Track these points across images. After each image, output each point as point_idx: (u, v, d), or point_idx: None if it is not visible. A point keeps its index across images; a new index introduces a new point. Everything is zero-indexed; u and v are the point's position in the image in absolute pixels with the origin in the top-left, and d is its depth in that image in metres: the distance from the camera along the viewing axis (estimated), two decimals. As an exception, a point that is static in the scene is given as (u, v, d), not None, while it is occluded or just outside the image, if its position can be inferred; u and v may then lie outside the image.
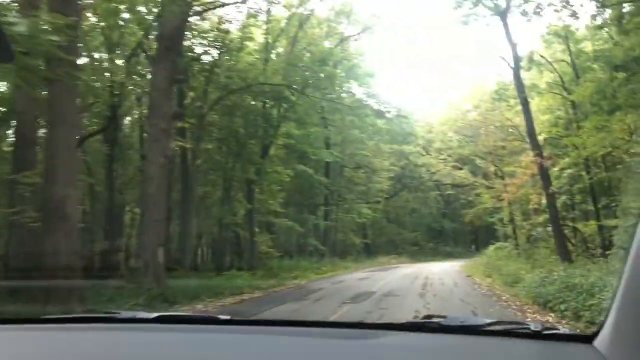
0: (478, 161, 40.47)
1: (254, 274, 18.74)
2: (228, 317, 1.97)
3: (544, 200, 22.10)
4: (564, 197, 23.21)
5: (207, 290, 12.90)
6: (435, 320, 1.75)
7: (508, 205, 28.82)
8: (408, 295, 12.35)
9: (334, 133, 31.90)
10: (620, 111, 14.46)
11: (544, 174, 18.90)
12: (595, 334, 1.47)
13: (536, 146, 19.20)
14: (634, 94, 13.25)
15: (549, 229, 23.39)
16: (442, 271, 24.62)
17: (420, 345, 1.67)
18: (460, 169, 41.88)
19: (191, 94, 17.72)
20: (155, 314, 2.00)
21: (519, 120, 28.80)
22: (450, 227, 57.72)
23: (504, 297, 12.21)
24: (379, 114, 40.77)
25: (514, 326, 1.73)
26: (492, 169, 30.87)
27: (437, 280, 18.35)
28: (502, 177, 29.62)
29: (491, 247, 35.48)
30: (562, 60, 21.18)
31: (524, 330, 1.67)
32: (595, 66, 19.27)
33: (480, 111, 30.98)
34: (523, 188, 20.62)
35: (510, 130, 29.16)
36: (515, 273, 16.05)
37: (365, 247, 45.13)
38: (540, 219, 22.56)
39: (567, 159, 21.66)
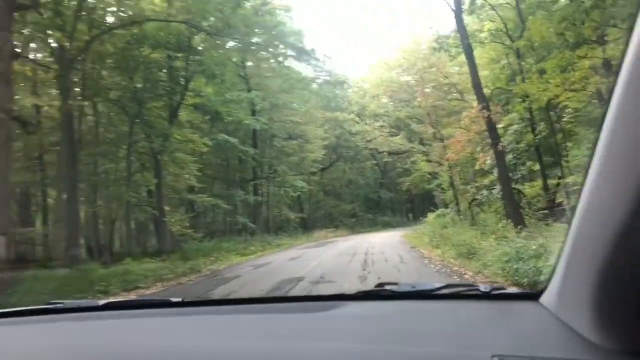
0: (414, 126, 38.70)
1: (163, 260, 15.71)
2: (180, 300, 1.97)
3: (488, 161, 20.33)
4: (510, 157, 21.43)
5: (81, 285, 9.83)
6: (387, 287, 1.85)
7: (448, 169, 26.99)
8: (346, 278, 9.81)
9: (260, 98, 28.77)
10: (586, 46, 12.48)
11: (491, 128, 16.82)
12: (542, 292, 1.59)
13: (482, 98, 17.08)
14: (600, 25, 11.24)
15: (495, 191, 21.70)
16: (383, 243, 22.42)
17: (375, 312, 1.74)
18: (396, 135, 39.93)
19: (57, 33, 13.81)
20: (103, 301, 1.99)
21: (458, 78, 26.95)
22: (388, 197, 56.47)
23: (467, 276, 9.89)
24: (309, 80, 38.18)
25: (464, 288, 1.86)
26: (431, 131, 28.85)
27: (379, 255, 15.98)
28: (442, 140, 27.69)
29: (431, 215, 34.36)
30: (507, 4, 19.02)
31: (473, 292, 1.78)
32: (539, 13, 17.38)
33: (417, 69, 28.73)
34: (467, 147, 18.54)
35: (447, 88, 27.23)
36: (469, 242, 13.91)
37: (301, 222, 42.68)
38: (486, 180, 20.66)
39: (512, 114, 19.79)
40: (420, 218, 35.59)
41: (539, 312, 1.52)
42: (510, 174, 21.38)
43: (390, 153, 46.14)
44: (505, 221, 16.87)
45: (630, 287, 1.05)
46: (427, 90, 28.12)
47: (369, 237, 30.16)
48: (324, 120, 40.60)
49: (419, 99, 28.64)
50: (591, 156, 1.05)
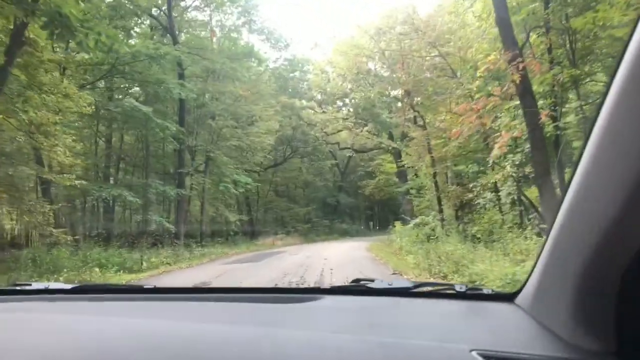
0: (386, 116, 32.53)
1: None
2: (152, 286, 2.02)
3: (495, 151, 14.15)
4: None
5: None
6: (363, 283, 1.90)
7: (431, 165, 20.86)
8: None
9: (190, 59, 21.83)
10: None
11: (525, 89, 10.60)
12: (517, 293, 1.62)
13: (511, 40, 10.90)
14: None
15: (503, 193, 15.61)
16: (345, 260, 16.00)
17: (352, 306, 1.73)
18: (365, 125, 33.72)
19: None
20: (71, 285, 2.00)
21: (447, 48, 20.80)
22: (347, 202, 50.12)
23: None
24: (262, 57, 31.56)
25: (439, 287, 1.89)
26: (410, 116, 22.63)
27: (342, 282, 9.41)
28: (424, 127, 21.52)
29: (399, 224, 28.71)
30: None
31: (449, 291, 1.82)
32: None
33: (396, 34, 22.47)
34: (482, 120, 12.24)
35: (436, 60, 21.07)
36: (503, 273, 7.66)
37: (247, 225, 35.90)
38: (498, 175, 14.44)
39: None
40: (390, 227, 29.64)
41: (515, 311, 1.56)
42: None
43: (355, 150, 39.80)
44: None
45: (607, 289, 1.09)
46: (408, 61, 21.87)
47: (326, 248, 23.63)
48: (279, 106, 33.91)
49: (396, 74, 22.35)
50: (578, 160, 1.06)
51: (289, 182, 44.96)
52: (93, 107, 16.99)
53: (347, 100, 37.89)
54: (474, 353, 1.20)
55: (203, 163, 25.78)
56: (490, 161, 14.68)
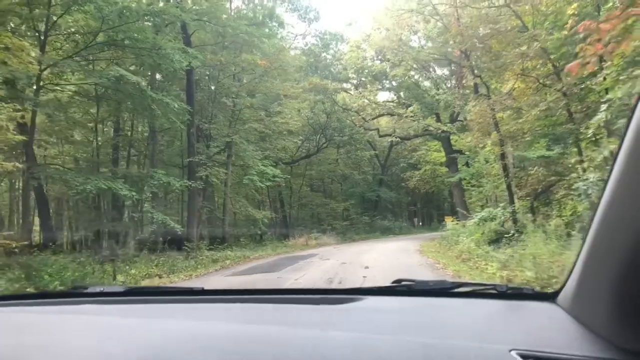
0: (433, 92, 28.12)
1: None
2: (200, 288, 2.04)
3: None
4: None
5: None
6: (404, 284, 1.89)
7: (497, 145, 16.47)
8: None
9: (197, 24, 17.99)
10: None
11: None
12: (558, 292, 1.62)
13: None
14: None
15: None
16: (394, 267, 11.95)
17: (393, 306, 1.75)
18: (409, 105, 29.35)
19: None
20: (124, 288, 2.12)
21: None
22: (388, 197, 45.57)
23: None
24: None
25: (480, 287, 1.88)
26: (471, 81, 18.23)
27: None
28: (488, 96, 17.11)
29: (452, 219, 25.15)
30: None
31: (489, 291, 1.83)
32: None
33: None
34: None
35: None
36: None
37: (275, 223, 32.13)
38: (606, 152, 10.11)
39: None
40: (434, 223, 25.71)
41: (555, 311, 1.55)
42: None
43: (397, 138, 35.30)
44: None
45: None
46: (465, 20, 17.53)
47: (366, 250, 19.46)
48: (310, 88, 29.88)
49: (451, 32, 17.96)
50: (614, 160, 1.07)
51: (325, 175, 40.85)
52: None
53: (387, 83, 33.57)
54: (513, 353, 1.19)
55: (221, 151, 21.95)
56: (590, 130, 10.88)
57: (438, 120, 30.69)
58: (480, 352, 1.23)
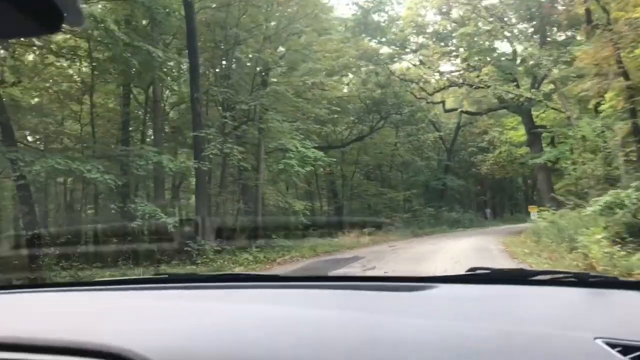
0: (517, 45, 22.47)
1: None
2: (276, 274, 2.41)
3: None
4: None
5: None
6: (480, 272, 1.84)
7: (624, 98, 10.96)
8: None
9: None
10: None
11: None
12: None
13: None
14: None
15: None
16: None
17: (468, 294, 1.71)
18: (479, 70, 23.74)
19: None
20: (205, 274, 2.46)
21: None
22: (455, 186, 39.79)
23: None
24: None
25: (560, 275, 1.81)
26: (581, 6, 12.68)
27: None
28: (607, 27, 11.57)
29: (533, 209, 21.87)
30: None
31: (570, 279, 1.75)
32: None
33: None
34: None
35: None
36: None
37: (320, 216, 27.52)
38: None
39: None
40: (522, 214, 20.99)
41: None
42: None
43: (468, 113, 29.68)
44: None
45: None
46: None
47: (433, 251, 14.43)
48: (360, 53, 24.87)
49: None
50: None
51: (382, 161, 35.70)
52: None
53: (452, 47, 27.97)
54: (598, 341, 1.14)
55: (242, 124, 17.37)
56: None
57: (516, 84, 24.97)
58: (562, 339, 1.18)
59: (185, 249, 12.68)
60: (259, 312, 1.52)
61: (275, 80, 17.39)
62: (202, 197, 14.56)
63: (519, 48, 22.40)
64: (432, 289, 1.71)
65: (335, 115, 29.84)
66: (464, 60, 25.48)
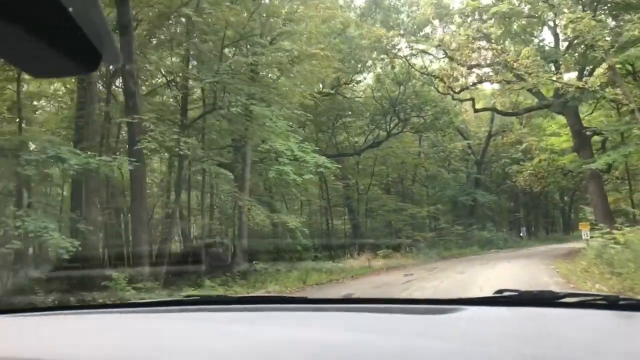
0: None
1: None
2: (304, 297, 2.18)
3: None
4: None
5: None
6: (508, 294, 1.79)
7: None
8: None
9: None
10: None
11: None
12: None
13: None
14: None
15: None
16: None
17: (496, 316, 1.69)
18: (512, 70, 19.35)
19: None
20: (236, 295, 2.29)
21: None
22: (486, 201, 35.28)
23: None
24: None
25: (589, 297, 1.76)
26: None
27: None
28: None
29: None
30: None
31: (600, 301, 1.70)
32: None
33: None
34: None
35: None
36: None
37: (324, 235, 23.49)
38: None
39: None
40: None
41: None
42: None
43: (503, 114, 25.33)
44: None
45: None
46: None
47: (464, 284, 10.15)
48: (373, 42, 20.88)
49: None
50: None
51: (402, 172, 31.40)
52: None
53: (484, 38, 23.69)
54: None
55: (208, 112, 13.35)
56: None
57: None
58: None
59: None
60: (284, 334, 1.51)
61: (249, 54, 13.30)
62: (138, 208, 10.52)
63: (564, 21, 18.02)
64: (460, 311, 1.66)
65: (347, 119, 26.17)
66: (496, 49, 21.14)
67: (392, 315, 1.74)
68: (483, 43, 21.90)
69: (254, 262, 14.75)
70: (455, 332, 1.49)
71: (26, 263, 9.48)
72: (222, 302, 2.23)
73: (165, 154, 15.62)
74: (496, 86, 24.63)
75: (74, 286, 9.14)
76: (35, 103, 14.85)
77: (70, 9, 0.64)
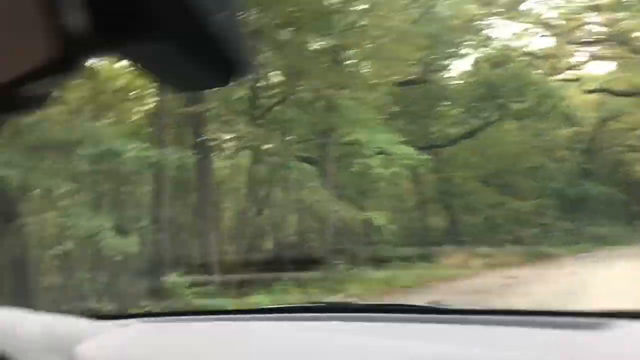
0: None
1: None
2: (447, 307, 1.96)
3: None
4: None
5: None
6: None
7: None
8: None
9: None
10: None
11: None
12: None
13: None
14: None
15: None
16: None
17: None
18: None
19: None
20: (365, 303, 2.52)
21: None
22: (598, 193, 32.54)
23: None
24: None
25: None
26: None
27: None
28: None
29: None
30: None
31: None
32: None
33: None
34: None
35: None
36: None
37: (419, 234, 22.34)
38: None
39: None
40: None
41: None
42: None
43: (618, 94, 22.75)
44: None
45: None
46: None
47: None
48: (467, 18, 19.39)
49: None
50: None
51: (501, 164, 29.39)
52: None
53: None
54: None
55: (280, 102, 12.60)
56: None
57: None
58: None
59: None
60: (436, 352, 1.42)
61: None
62: (204, 205, 9.92)
63: None
64: (615, 328, 1.45)
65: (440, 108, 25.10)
66: (609, 21, 18.68)
67: (536, 330, 1.54)
68: (592, 15, 19.53)
69: (336, 263, 13.92)
70: (616, 352, 1.36)
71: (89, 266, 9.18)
72: (350, 309, 2.16)
73: (246, 150, 15.27)
74: (606, 66, 22.06)
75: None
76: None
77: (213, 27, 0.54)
